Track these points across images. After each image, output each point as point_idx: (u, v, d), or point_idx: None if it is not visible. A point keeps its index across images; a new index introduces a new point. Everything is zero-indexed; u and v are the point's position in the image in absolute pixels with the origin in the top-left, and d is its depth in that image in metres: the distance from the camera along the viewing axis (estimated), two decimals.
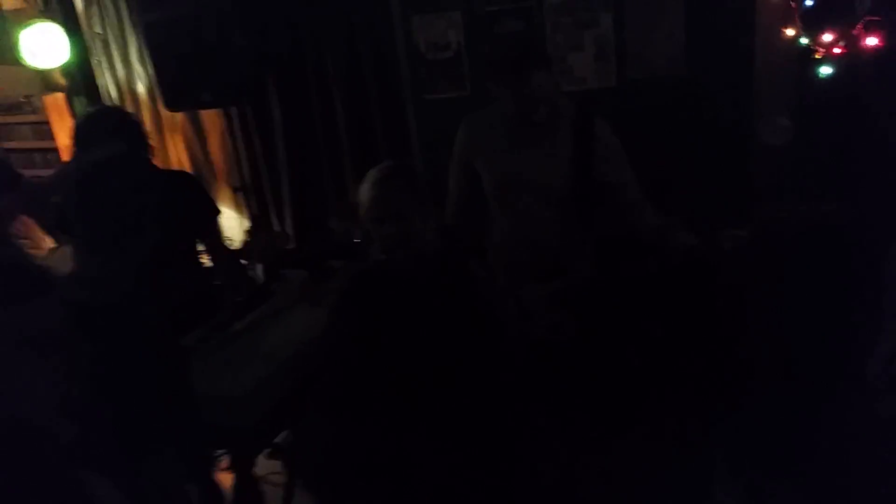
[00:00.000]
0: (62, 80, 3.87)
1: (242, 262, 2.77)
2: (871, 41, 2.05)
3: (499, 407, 1.83)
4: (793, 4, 2.26)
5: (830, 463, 1.83)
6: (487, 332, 1.83)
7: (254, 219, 3.40)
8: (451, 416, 1.76)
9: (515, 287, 2.12)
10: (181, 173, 3.03)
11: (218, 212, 2.53)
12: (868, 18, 2.08)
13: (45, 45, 3.39)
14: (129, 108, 3.86)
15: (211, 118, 3.72)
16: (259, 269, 3.16)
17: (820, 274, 2.31)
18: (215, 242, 2.57)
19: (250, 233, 3.24)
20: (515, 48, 2.18)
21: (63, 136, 3.77)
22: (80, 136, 2.29)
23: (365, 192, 1.78)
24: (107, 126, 2.28)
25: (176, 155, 3.90)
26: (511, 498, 1.80)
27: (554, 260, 2.26)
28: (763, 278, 2.60)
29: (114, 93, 3.87)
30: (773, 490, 2.15)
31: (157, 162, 3.82)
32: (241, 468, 2.06)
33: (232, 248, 2.88)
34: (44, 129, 3.94)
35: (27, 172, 3.13)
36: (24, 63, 3.41)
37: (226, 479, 2.03)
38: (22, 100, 4.08)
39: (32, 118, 4.07)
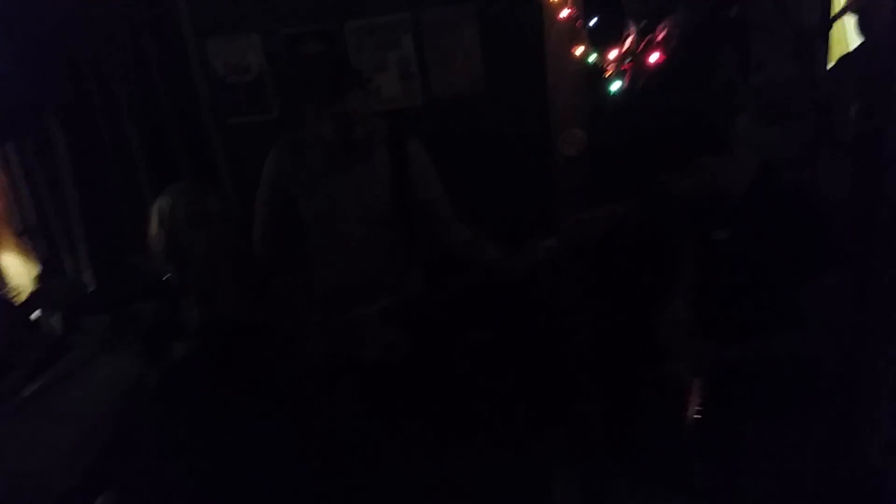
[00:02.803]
0: None
1: (35, 313, 2.46)
2: (653, 57, 2.25)
3: (341, 434, 1.80)
4: (578, 25, 2.44)
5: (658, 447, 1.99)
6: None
7: (45, 262, 3.04)
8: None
9: (343, 312, 2.07)
10: None
11: None
12: (650, 38, 2.28)
13: None
14: None
15: None
16: (57, 318, 2.83)
17: (624, 270, 2.52)
18: None
19: (41, 278, 2.90)
20: (329, 67, 2.13)
21: None
22: None
23: (165, 205, 1.85)
24: None
25: None
26: None
27: (380, 281, 2.25)
28: (574, 280, 2.78)
29: None
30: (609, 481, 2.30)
31: None
32: None
33: (17, 298, 2.56)
34: None
35: None
36: None
37: None
38: None
39: None
